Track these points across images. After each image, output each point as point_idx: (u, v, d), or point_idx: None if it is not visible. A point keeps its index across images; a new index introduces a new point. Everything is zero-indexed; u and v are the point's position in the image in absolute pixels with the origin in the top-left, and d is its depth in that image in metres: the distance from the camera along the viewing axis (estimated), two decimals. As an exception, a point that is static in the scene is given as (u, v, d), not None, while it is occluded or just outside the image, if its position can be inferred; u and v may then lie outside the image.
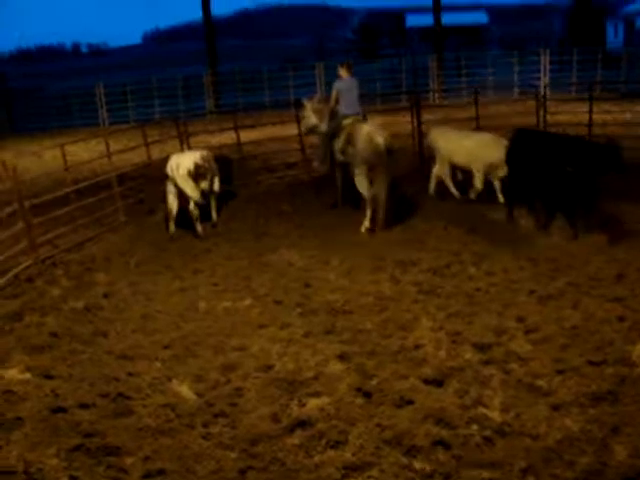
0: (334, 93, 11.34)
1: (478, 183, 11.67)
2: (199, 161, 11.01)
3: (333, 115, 11.40)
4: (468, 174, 12.04)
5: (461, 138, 11.99)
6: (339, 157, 11.10)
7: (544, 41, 57.91)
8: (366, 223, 10.63)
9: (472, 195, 11.79)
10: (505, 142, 10.97)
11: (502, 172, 11.25)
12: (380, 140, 10.25)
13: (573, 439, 5.06)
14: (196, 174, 10.91)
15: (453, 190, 12.16)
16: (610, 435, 5.07)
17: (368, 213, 10.64)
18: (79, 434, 5.45)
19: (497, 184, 11.68)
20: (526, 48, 42.77)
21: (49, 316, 8.12)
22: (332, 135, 11.16)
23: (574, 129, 14.77)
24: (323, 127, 11.57)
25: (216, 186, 11.59)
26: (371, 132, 10.42)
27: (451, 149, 11.92)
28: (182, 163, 10.87)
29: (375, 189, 10.44)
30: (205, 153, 11.47)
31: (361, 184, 10.59)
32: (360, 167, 10.48)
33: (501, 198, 11.55)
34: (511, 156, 10.36)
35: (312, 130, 12.17)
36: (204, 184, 11.10)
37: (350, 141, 10.67)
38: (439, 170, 12.21)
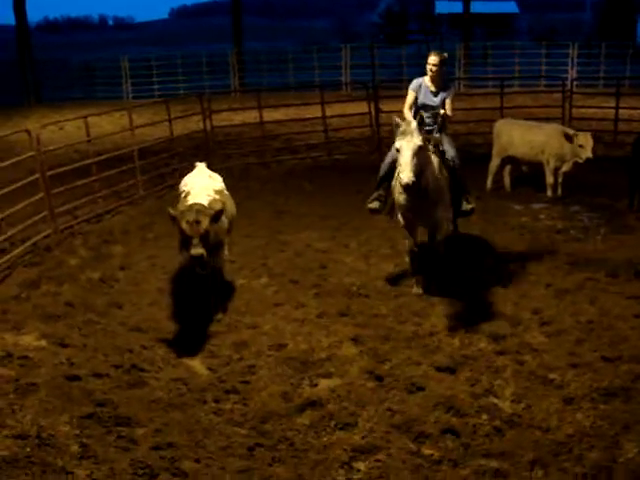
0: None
1: (549, 177, 11.29)
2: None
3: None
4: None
5: (527, 130, 11.54)
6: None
7: (574, 33, 57.29)
8: None
9: (549, 192, 11.34)
10: (574, 132, 10.84)
11: (568, 166, 11.11)
12: None
13: (583, 434, 5.05)
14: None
15: (507, 182, 11.92)
16: (621, 432, 5.06)
17: None
18: (92, 403, 5.50)
19: (560, 178, 11.32)
20: (555, 40, 42.27)
21: (65, 285, 8.18)
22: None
23: (599, 124, 14.66)
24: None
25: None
26: None
27: (516, 143, 11.48)
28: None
29: None
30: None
31: None
32: None
33: (553, 192, 11.30)
34: None
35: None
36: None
37: None
38: (492, 164, 11.85)
